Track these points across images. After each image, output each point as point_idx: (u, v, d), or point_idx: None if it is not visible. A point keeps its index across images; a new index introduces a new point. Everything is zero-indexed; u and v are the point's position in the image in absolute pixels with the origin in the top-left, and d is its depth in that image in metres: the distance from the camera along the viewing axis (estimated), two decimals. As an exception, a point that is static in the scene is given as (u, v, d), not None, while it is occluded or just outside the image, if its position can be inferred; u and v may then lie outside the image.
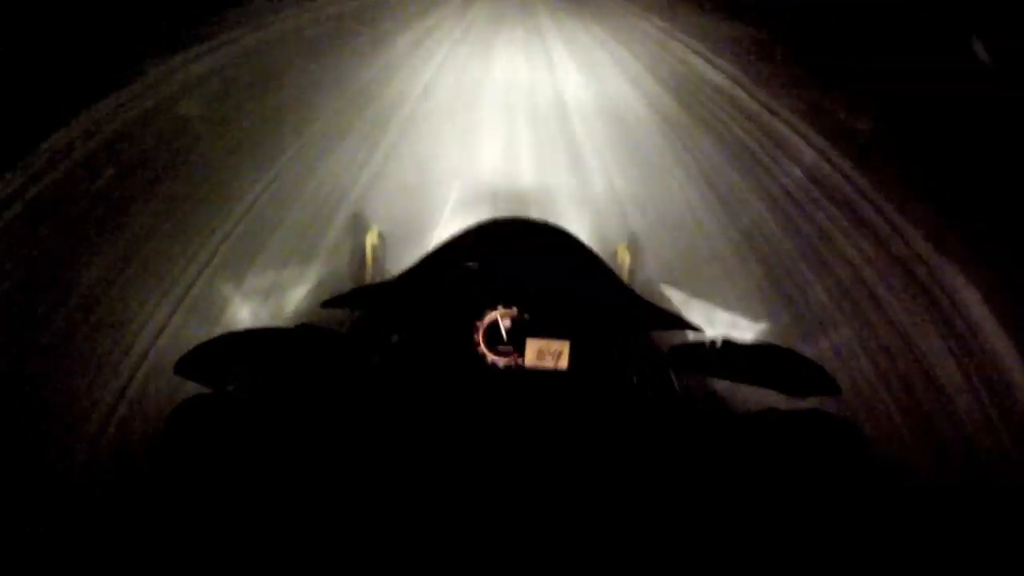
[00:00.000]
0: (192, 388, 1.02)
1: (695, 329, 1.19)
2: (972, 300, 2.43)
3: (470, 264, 1.18)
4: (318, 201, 2.81)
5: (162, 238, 2.40)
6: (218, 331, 1.04)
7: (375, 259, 2.01)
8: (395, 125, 3.81)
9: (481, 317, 1.10)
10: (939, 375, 2.15)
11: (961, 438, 1.95)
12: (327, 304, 1.13)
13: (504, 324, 1.10)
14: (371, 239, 2.01)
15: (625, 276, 2.01)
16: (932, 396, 2.08)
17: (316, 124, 3.56)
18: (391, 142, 3.58)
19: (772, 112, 4.44)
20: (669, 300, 2.26)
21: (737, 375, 1.21)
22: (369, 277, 2.00)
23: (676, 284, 2.34)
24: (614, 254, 2.08)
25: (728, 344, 1.17)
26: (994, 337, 2.26)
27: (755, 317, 2.29)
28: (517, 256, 1.19)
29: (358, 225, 2.11)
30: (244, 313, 2.15)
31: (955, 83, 3.93)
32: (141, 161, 2.89)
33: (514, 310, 1.10)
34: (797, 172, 3.56)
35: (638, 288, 2.07)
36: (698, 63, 5.69)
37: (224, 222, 2.56)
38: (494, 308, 1.09)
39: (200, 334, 2.12)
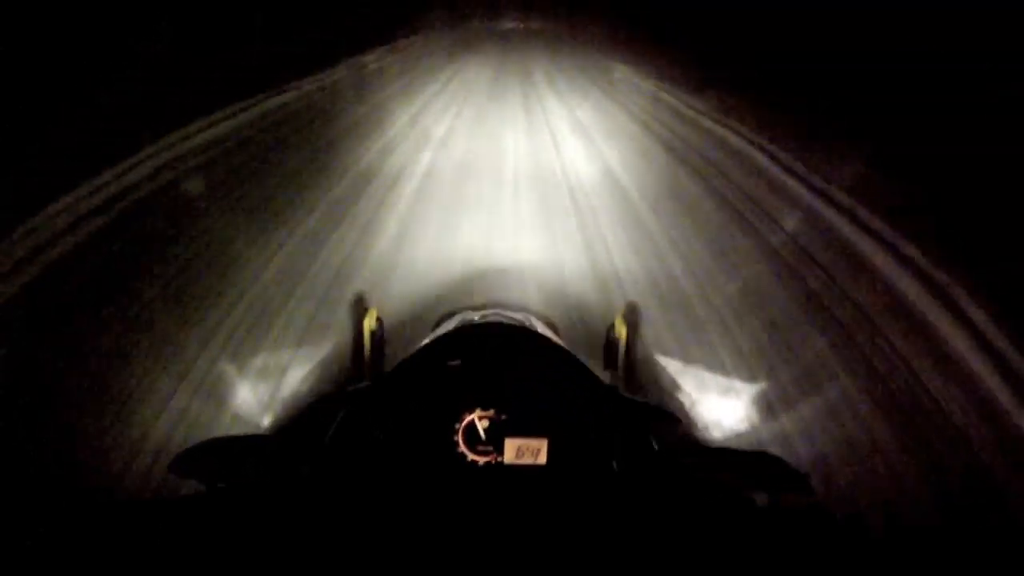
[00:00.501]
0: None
1: (676, 419, 1.22)
2: (968, 339, 2.40)
3: (451, 363, 1.23)
4: (322, 282, 2.89)
5: (169, 317, 2.48)
6: (223, 410, 1.08)
7: (373, 341, 2.07)
8: (399, 203, 3.94)
9: (460, 419, 1.14)
10: (941, 418, 2.12)
11: (966, 479, 1.92)
12: (315, 405, 1.18)
13: (482, 425, 1.14)
14: (369, 323, 2.07)
15: (623, 348, 2.03)
16: (936, 437, 2.05)
17: (320, 205, 3.69)
18: (395, 221, 3.69)
19: (767, 155, 4.51)
20: (665, 369, 2.28)
21: (717, 475, 1.23)
22: (367, 359, 2.05)
23: (673, 351, 2.35)
24: (611, 327, 2.11)
25: (709, 448, 1.20)
26: (988, 375, 2.22)
27: (752, 377, 2.29)
28: (494, 359, 1.24)
29: (359, 307, 2.19)
30: (248, 393, 2.20)
31: (950, 118, 3.96)
32: (148, 239, 2.96)
33: (491, 412, 1.14)
34: (792, 222, 3.59)
35: (635, 359, 2.10)
36: (691, 115, 5.85)
37: (233, 306, 2.65)
38: (472, 411, 1.14)
39: (204, 414, 2.18)
